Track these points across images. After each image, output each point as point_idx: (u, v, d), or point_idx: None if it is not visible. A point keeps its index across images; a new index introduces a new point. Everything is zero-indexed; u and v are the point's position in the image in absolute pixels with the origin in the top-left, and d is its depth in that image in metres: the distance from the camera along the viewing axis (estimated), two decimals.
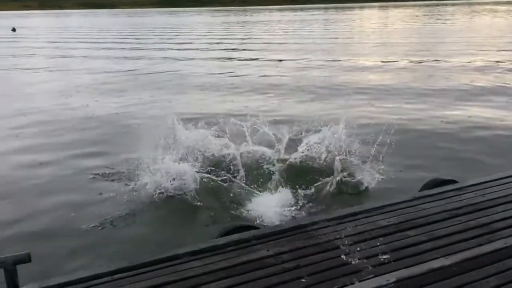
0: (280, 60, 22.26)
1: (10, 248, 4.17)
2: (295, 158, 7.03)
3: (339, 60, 21.54)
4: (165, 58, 24.92)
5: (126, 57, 26.05)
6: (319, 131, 7.21)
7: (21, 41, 42.16)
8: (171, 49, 30.01)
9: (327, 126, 7.13)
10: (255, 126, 7.51)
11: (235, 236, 3.85)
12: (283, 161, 7.08)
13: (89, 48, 31.82)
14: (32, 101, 13.87)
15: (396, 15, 77.12)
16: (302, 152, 7.05)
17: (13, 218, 5.98)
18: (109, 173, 7.36)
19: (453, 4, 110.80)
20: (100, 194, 6.54)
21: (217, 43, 33.82)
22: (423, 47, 26.54)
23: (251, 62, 22.14)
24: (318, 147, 7.02)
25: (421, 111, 11.13)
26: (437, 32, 38.25)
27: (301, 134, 7.51)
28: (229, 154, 7.00)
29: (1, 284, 3.98)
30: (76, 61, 24.75)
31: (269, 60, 22.83)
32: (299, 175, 6.63)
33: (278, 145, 7.40)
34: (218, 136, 7.31)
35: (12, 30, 59.17)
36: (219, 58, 24.36)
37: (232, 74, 18.51)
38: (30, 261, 3.10)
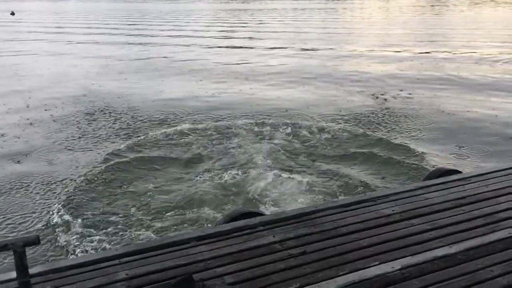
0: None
1: None
2: None
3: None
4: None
5: (123, 42, 25.99)
6: None
7: (20, 25, 41.87)
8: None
9: None
10: None
11: (241, 222, 3.88)
12: None
13: (89, 35, 31.63)
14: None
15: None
16: None
17: None
18: None
19: None
20: None
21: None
22: None
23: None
24: None
25: None
26: None
27: None
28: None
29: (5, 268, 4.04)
30: (75, 46, 24.67)
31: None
32: None
33: None
34: None
35: (11, 14, 58.66)
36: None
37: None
38: (39, 243, 3.12)
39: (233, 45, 24.10)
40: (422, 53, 19.96)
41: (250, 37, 27.87)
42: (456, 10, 56.43)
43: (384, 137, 8.74)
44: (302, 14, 51.78)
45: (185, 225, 5.37)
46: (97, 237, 5.16)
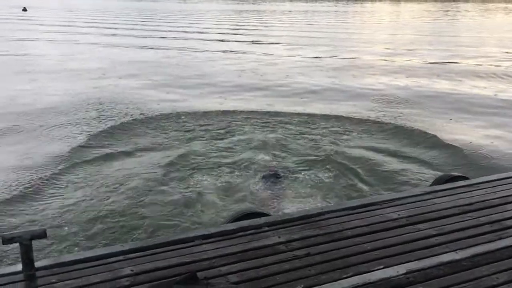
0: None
1: None
2: None
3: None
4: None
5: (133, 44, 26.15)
6: None
7: (31, 22, 42.19)
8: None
9: None
10: None
11: (246, 222, 3.88)
12: None
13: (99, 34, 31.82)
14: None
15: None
16: None
17: None
18: None
19: (466, 0, 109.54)
20: None
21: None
22: None
23: None
24: None
25: None
26: None
27: None
28: None
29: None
30: (84, 47, 24.80)
31: None
32: None
33: None
34: None
35: (23, 9, 59.07)
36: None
37: None
38: (46, 237, 3.15)
39: (243, 50, 23.97)
40: (433, 62, 19.76)
41: (259, 41, 27.86)
42: (468, 15, 56.21)
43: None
44: (314, 17, 51.80)
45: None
46: None
